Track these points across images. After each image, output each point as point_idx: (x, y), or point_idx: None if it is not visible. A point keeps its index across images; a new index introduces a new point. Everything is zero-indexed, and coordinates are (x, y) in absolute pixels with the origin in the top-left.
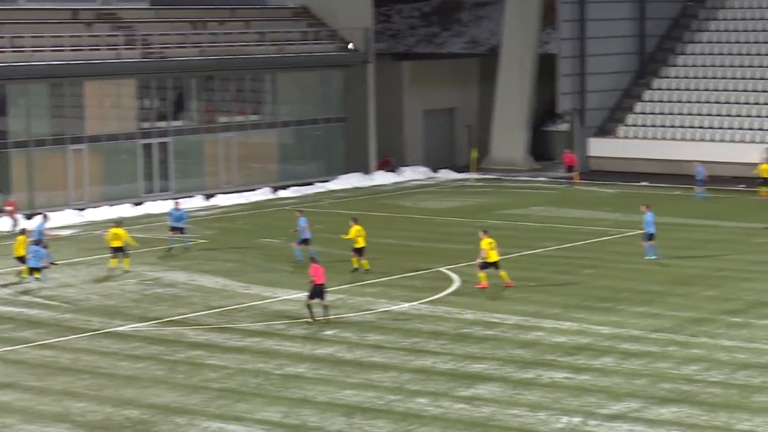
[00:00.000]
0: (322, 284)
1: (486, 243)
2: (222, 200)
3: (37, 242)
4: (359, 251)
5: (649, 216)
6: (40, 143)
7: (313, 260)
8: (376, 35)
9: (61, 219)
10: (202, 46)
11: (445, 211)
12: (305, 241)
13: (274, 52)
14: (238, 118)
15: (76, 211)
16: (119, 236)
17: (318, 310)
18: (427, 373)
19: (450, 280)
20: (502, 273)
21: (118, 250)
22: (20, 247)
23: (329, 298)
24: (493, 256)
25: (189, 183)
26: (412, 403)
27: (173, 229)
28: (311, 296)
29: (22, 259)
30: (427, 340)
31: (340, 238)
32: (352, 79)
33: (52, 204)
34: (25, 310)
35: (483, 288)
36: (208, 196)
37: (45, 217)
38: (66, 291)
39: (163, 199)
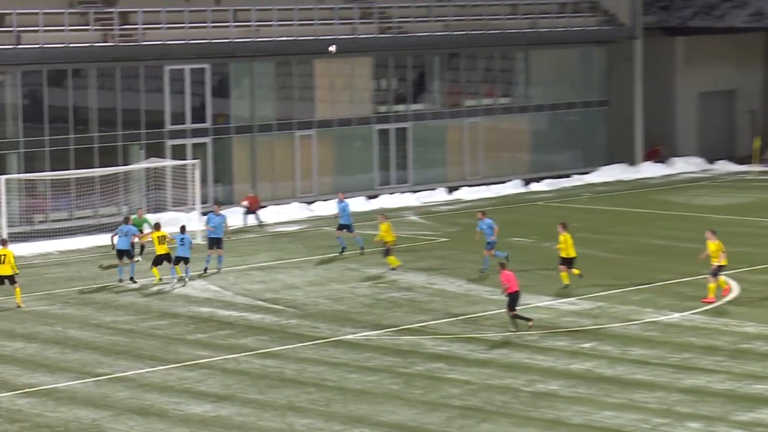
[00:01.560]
0: (517, 291)
1: (714, 246)
2: (466, 194)
3: (183, 229)
4: (568, 262)
5: None
6: (264, 128)
7: (503, 266)
8: (644, 7)
9: (287, 213)
10: (446, 19)
11: (722, 208)
12: (490, 246)
13: (527, 27)
14: (486, 101)
15: (303, 204)
16: (388, 230)
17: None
18: (700, 394)
19: (727, 288)
20: (721, 280)
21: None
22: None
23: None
24: (570, 252)
25: (429, 174)
26: (682, 428)
27: (342, 227)
28: (510, 306)
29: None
30: (700, 355)
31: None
32: (616, 56)
33: (277, 197)
34: (246, 315)
35: (709, 302)
36: (451, 189)
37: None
38: (291, 293)
39: (401, 192)
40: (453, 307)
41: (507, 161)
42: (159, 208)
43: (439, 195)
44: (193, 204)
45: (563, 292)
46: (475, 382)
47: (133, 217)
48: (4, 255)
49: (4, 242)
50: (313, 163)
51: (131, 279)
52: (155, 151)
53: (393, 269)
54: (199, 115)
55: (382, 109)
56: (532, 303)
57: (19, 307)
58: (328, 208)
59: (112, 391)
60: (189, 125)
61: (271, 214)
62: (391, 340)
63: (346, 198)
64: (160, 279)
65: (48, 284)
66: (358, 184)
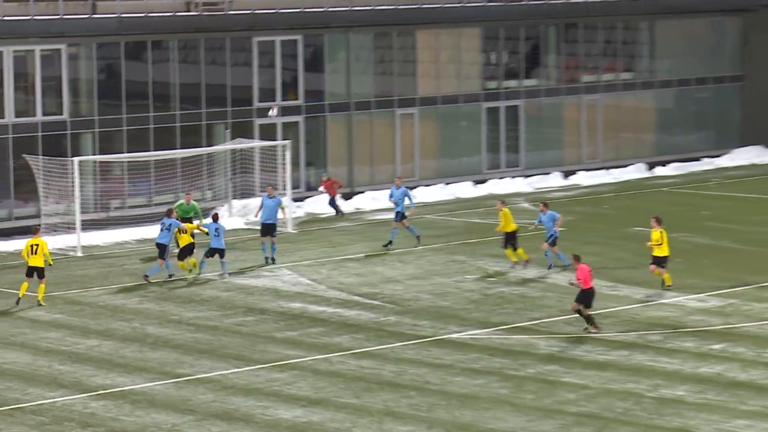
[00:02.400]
0: (591, 288)
1: (657, 234)
2: (584, 178)
3: (216, 217)
4: (660, 261)
5: None
6: (361, 106)
7: (577, 259)
8: None
9: (386, 199)
10: None
11: None
12: (553, 241)
13: None
14: (606, 77)
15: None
16: (508, 218)
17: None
18: None
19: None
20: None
21: (510, 238)
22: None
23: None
24: (663, 250)
25: (543, 157)
26: None
27: (399, 216)
28: (580, 302)
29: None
30: None
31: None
32: (752, 26)
33: (375, 181)
34: (341, 311)
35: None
36: (567, 174)
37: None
38: (390, 288)
39: (511, 177)
40: (569, 304)
41: (629, 143)
42: (246, 194)
43: (554, 180)
44: (284, 189)
45: (690, 288)
46: (592, 386)
47: (180, 202)
48: (37, 245)
49: (36, 230)
50: (414, 145)
51: (169, 276)
52: (242, 130)
53: (517, 263)
54: (290, 92)
55: (492, 85)
56: (655, 300)
57: (40, 304)
58: (431, 194)
59: (194, 393)
60: (279, 102)
61: (368, 201)
62: (500, 340)
63: (407, 184)
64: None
65: (124, 276)
66: (463, 168)
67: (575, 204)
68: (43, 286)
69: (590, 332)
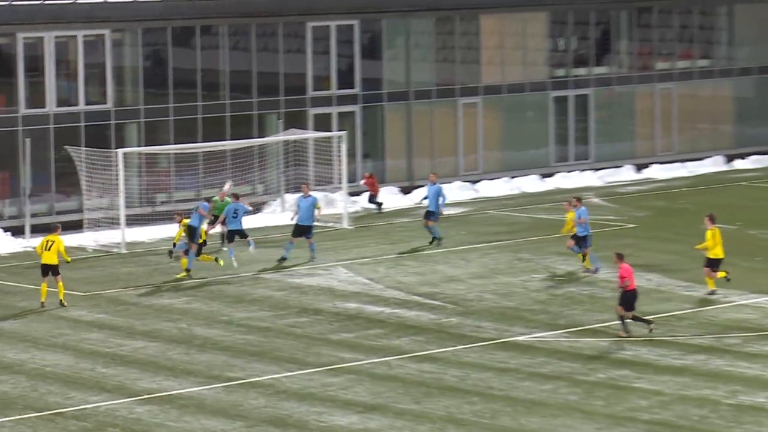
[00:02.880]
0: (635, 290)
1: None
2: (658, 172)
3: (237, 196)
4: (714, 264)
5: None
6: (421, 95)
7: (620, 257)
8: None
9: (448, 193)
10: None
11: None
12: (580, 241)
13: None
14: (681, 64)
15: (467, 183)
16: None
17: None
18: None
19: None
20: (721, 273)
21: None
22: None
23: None
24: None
25: (614, 149)
26: None
27: (428, 215)
28: (623, 305)
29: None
30: None
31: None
32: None
33: (438, 175)
34: (399, 311)
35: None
36: (640, 167)
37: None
38: (452, 287)
39: (580, 170)
40: (641, 305)
41: (706, 134)
42: (299, 187)
43: (626, 173)
44: (339, 182)
45: None
46: (666, 392)
47: (214, 199)
48: (52, 242)
49: (55, 228)
50: (478, 136)
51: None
52: (295, 120)
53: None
54: (346, 80)
55: (560, 73)
56: (734, 300)
57: (62, 304)
58: (495, 188)
59: (245, 398)
60: (335, 91)
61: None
62: (568, 343)
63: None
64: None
65: (171, 274)
66: (530, 160)
67: (649, 199)
68: (61, 284)
69: (620, 336)
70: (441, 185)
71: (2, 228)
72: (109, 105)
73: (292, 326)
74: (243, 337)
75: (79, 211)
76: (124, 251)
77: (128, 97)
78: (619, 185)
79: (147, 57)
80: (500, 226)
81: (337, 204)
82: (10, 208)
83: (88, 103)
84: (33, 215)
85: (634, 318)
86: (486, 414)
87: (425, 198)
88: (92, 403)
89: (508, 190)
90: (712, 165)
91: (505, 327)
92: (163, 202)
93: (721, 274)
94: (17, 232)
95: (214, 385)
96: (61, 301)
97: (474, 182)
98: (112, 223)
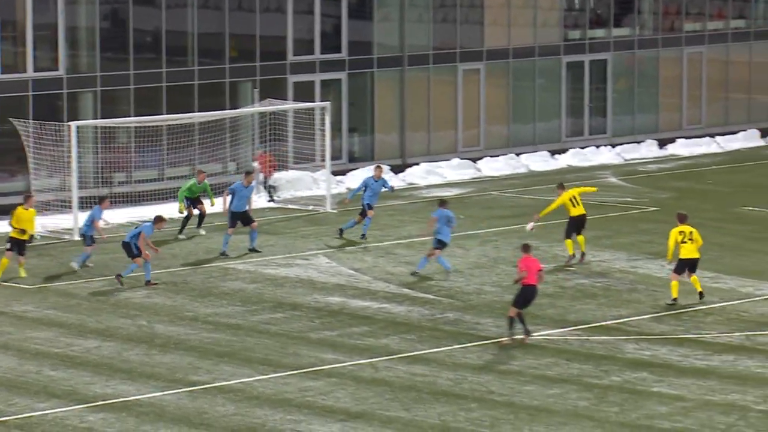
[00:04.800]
0: (533, 286)
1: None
2: (684, 148)
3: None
4: (688, 266)
5: None
6: (416, 61)
7: (526, 249)
8: None
9: (446, 173)
10: None
11: None
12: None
13: None
14: (713, 25)
15: (466, 161)
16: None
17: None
18: None
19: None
20: (694, 278)
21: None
22: None
23: None
24: (689, 252)
25: (635, 122)
26: None
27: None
28: (516, 303)
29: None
30: None
31: None
32: None
33: (433, 151)
34: (388, 306)
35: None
36: (663, 142)
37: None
38: (449, 279)
39: (596, 146)
40: (662, 299)
41: (739, 105)
42: (278, 165)
43: (648, 150)
44: (322, 160)
45: None
46: (689, 398)
47: (192, 182)
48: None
49: (28, 199)
50: (480, 107)
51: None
52: (273, 89)
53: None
54: (331, 44)
55: (574, 35)
56: (766, 293)
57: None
58: (499, 166)
59: (211, 404)
60: (318, 56)
61: (421, 174)
62: (579, 342)
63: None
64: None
65: (128, 264)
66: (540, 134)
67: (673, 178)
68: (23, 262)
69: (504, 342)
70: (386, 178)
71: None
72: (61, 72)
73: (266, 323)
74: (210, 336)
75: (26, 192)
76: (76, 238)
77: (83, 63)
78: (639, 162)
79: (104, 17)
80: (503, 210)
81: (320, 184)
82: None
83: (36, 70)
84: None
85: (518, 316)
86: (485, 422)
87: (357, 191)
88: (38, 411)
89: (514, 168)
90: (746, 140)
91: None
92: (121, 183)
93: (695, 283)
94: None
95: (177, 390)
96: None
97: (475, 160)
98: (63, 206)
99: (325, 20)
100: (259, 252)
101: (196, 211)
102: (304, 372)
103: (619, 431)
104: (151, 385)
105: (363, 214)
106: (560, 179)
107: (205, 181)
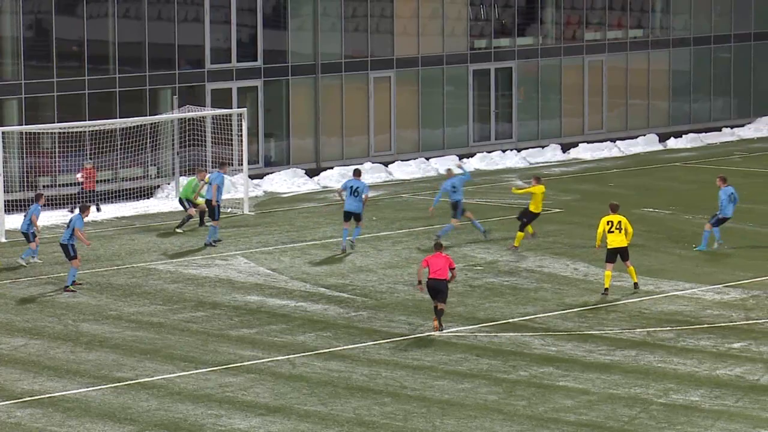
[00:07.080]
0: (443, 280)
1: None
2: (586, 152)
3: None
4: (618, 254)
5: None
6: (330, 68)
7: (438, 246)
8: None
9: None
10: None
11: None
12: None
13: None
14: (613, 34)
15: (378, 165)
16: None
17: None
18: None
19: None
20: (631, 268)
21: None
22: None
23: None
24: (615, 241)
25: (539, 127)
26: None
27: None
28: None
29: None
30: None
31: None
32: None
33: (347, 155)
34: (305, 305)
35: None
36: (567, 147)
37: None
38: (362, 278)
39: (502, 150)
40: (567, 296)
41: (638, 111)
42: (195, 170)
43: (551, 154)
44: (240, 164)
45: (707, 278)
46: (594, 391)
47: (191, 178)
48: None
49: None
50: (391, 113)
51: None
52: (191, 96)
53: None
54: (247, 52)
55: (480, 44)
56: (668, 291)
57: None
58: (410, 170)
59: (135, 400)
60: (235, 64)
61: (336, 177)
62: (488, 338)
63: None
64: None
65: (55, 265)
66: (448, 139)
67: (576, 181)
68: None
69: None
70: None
71: None
72: None
73: (187, 321)
74: (133, 334)
75: None
76: (3, 240)
77: (7, 71)
78: (544, 166)
79: (29, 26)
80: (414, 212)
81: (238, 188)
82: None
83: None
84: None
85: (434, 307)
86: (398, 416)
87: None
88: None
89: (424, 172)
90: (645, 144)
91: (420, 321)
92: (46, 186)
93: (631, 273)
94: None
95: (102, 386)
96: None
97: (386, 164)
98: None
99: (241, 30)
100: (214, 246)
101: (195, 211)
102: (224, 368)
103: (527, 424)
104: (77, 382)
105: (463, 212)
106: (471, 182)
107: (208, 177)
